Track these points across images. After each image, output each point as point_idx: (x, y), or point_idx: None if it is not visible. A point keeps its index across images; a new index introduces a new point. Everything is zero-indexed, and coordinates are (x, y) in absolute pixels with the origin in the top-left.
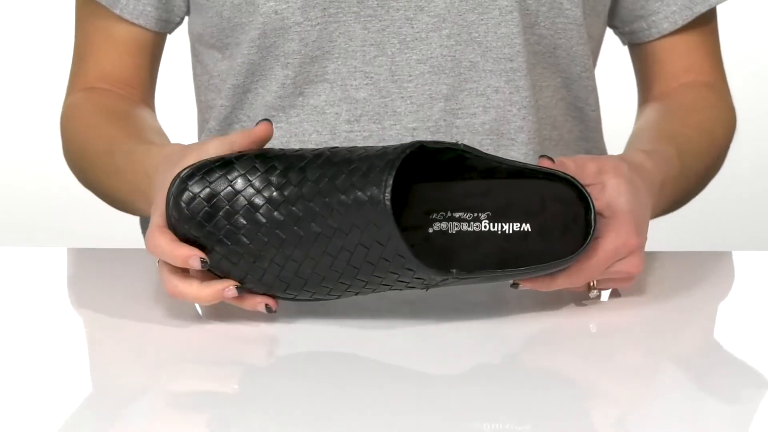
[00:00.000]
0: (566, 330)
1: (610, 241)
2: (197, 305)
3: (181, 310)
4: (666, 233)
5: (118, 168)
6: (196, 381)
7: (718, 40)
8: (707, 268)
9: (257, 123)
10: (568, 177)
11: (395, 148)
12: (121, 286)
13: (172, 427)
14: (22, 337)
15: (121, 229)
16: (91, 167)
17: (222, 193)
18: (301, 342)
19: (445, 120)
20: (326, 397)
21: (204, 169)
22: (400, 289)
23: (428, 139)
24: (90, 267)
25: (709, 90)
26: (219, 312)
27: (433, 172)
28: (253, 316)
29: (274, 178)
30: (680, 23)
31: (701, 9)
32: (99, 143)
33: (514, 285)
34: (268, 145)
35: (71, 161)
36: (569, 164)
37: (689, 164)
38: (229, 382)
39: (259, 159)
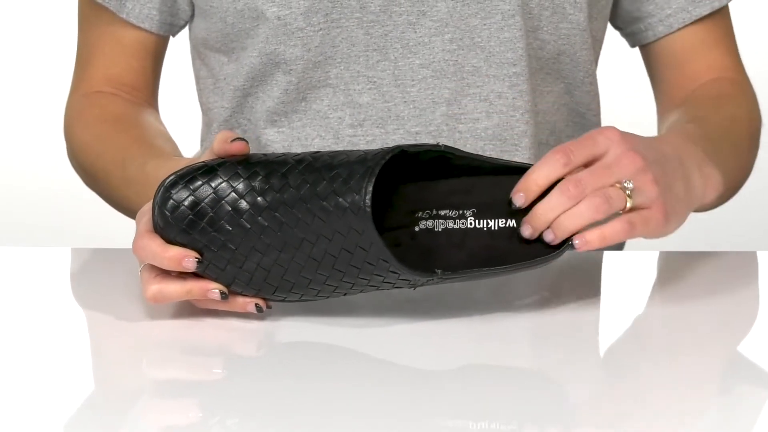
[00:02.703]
0: (565, 328)
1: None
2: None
3: (182, 309)
4: (692, 234)
5: (131, 178)
6: (199, 378)
7: (733, 36)
8: (732, 268)
9: (232, 140)
10: None
11: (375, 153)
12: (124, 285)
13: (174, 422)
14: (25, 336)
15: (121, 230)
16: (103, 176)
17: (205, 201)
18: (299, 339)
19: (447, 125)
20: (320, 392)
21: (187, 177)
22: (387, 289)
23: (408, 143)
24: (93, 267)
25: (732, 85)
26: (218, 310)
27: (416, 171)
28: (250, 314)
29: (256, 184)
30: (676, 26)
31: (702, 11)
32: (110, 153)
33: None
34: (265, 150)
35: (79, 166)
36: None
37: (715, 135)
38: (232, 378)
39: (242, 165)
